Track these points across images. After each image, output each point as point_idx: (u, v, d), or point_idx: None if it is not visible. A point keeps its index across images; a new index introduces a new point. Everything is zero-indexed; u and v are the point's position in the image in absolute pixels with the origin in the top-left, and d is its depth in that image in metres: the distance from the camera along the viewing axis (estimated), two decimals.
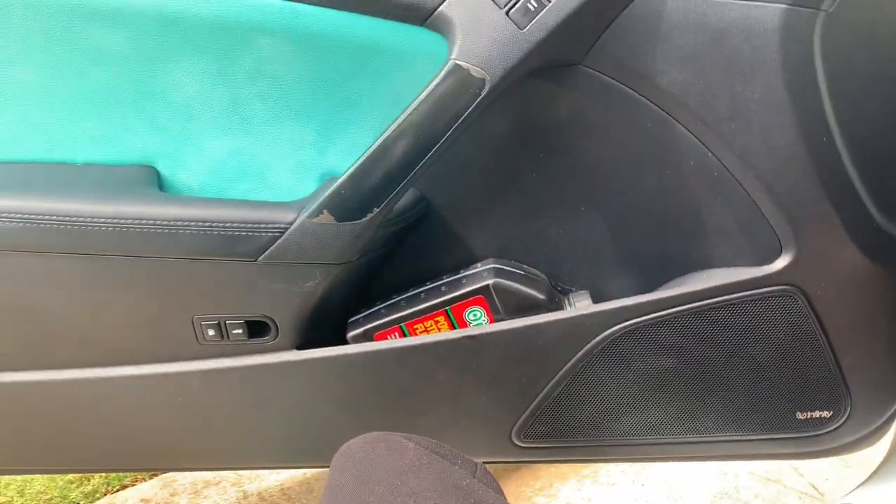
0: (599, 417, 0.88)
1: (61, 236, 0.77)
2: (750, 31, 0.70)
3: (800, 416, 0.88)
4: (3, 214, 0.76)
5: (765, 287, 0.80)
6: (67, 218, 0.77)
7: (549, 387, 0.85)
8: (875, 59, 0.72)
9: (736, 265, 0.82)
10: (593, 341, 0.83)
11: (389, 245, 0.84)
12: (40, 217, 0.76)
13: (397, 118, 0.74)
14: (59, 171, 0.82)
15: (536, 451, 0.91)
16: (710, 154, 0.76)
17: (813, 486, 1.31)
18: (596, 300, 0.86)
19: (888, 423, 0.89)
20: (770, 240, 0.78)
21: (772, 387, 0.86)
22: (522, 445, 0.90)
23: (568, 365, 0.84)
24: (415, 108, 0.73)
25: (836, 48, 0.70)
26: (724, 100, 0.73)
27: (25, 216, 0.76)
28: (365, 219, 0.77)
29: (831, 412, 0.87)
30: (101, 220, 0.77)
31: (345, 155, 0.83)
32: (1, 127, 0.80)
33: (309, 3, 0.73)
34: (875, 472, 0.89)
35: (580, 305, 0.84)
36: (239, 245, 0.78)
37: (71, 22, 0.74)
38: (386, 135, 0.74)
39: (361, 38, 0.75)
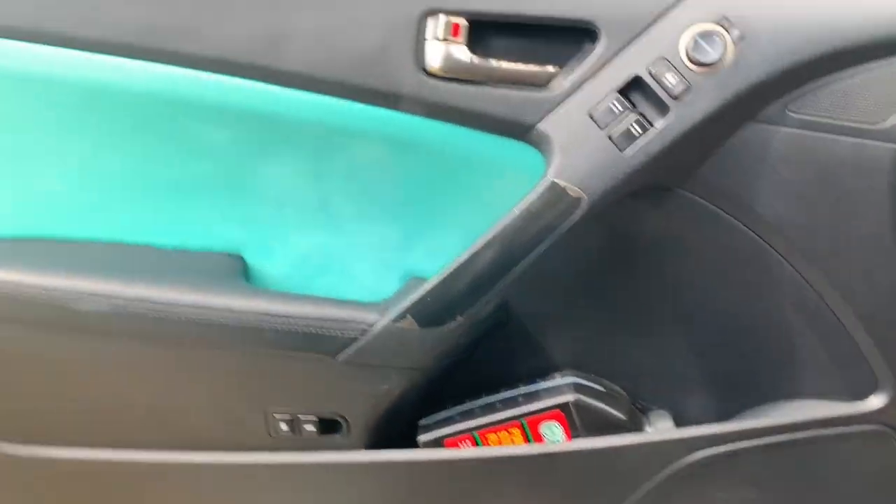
0: None
1: (145, 322, 0.78)
2: (860, 168, 0.68)
3: None
4: (91, 296, 0.77)
5: (857, 425, 0.77)
6: (152, 304, 0.77)
7: None
8: None
9: (825, 398, 0.78)
10: (673, 467, 0.80)
11: (467, 351, 0.83)
12: (125, 301, 0.77)
13: (489, 230, 0.74)
14: (148, 254, 0.83)
15: None
16: (807, 286, 0.73)
17: None
18: (677, 422, 0.83)
19: None
20: (865, 376, 0.75)
21: None
22: None
23: (645, 489, 0.81)
24: (508, 222, 0.73)
25: None
26: (827, 235, 0.71)
27: (111, 299, 0.77)
28: (448, 326, 0.76)
29: None
30: (187, 308, 0.77)
31: (429, 257, 0.82)
32: (95, 207, 0.81)
33: (408, 113, 0.74)
34: None
35: (661, 428, 0.81)
36: (320, 343, 0.78)
37: (174, 115, 0.76)
38: (476, 246, 0.74)
39: (456, 147, 0.76)
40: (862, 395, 0.76)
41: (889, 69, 0.66)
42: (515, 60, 0.71)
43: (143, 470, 0.88)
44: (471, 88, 0.71)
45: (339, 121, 0.75)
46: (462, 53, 0.71)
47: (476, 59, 0.71)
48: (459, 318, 0.75)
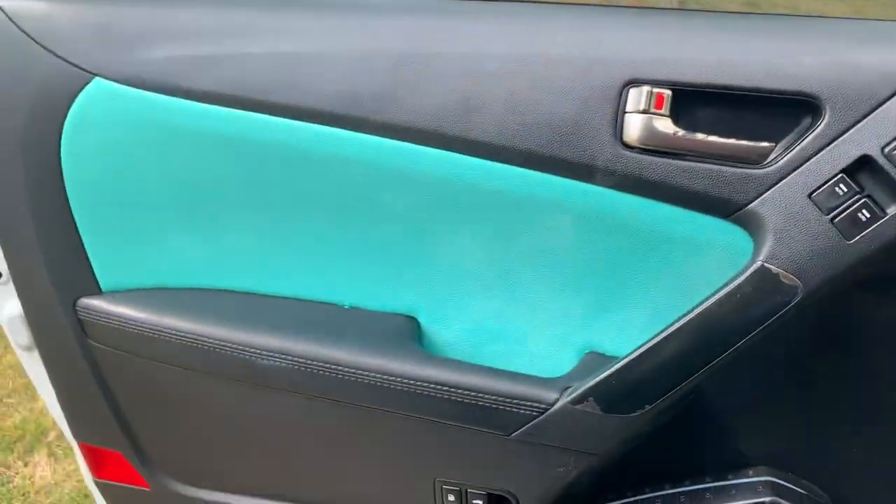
0: None
1: (327, 382, 0.78)
2: None
3: None
4: (279, 356, 0.78)
5: None
6: (333, 366, 0.78)
7: None
8: None
9: None
10: None
11: (651, 437, 0.78)
12: (309, 362, 0.78)
13: (687, 311, 0.68)
14: (329, 312, 0.83)
15: None
16: None
17: None
18: None
19: None
20: None
21: None
22: None
23: None
24: (710, 305, 0.67)
25: None
26: None
27: (296, 359, 0.78)
28: (634, 414, 0.71)
29: None
30: (366, 372, 0.77)
31: (610, 333, 0.78)
32: (284, 264, 0.83)
33: (602, 186, 0.70)
34: None
35: None
36: (495, 418, 0.75)
37: (365, 180, 0.76)
38: (671, 328, 0.69)
39: (651, 222, 0.71)
40: None
41: None
42: (725, 135, 0.66)
43: None
44: (673, 162, 0.67)
45: (527, 191, 0.72)
46: (665, 125, 0.66)
47: (680, 132, 0.66)
48: (647, 407, 0.70)
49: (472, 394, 0.75)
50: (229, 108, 0.75)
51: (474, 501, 0.80)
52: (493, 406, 0.75)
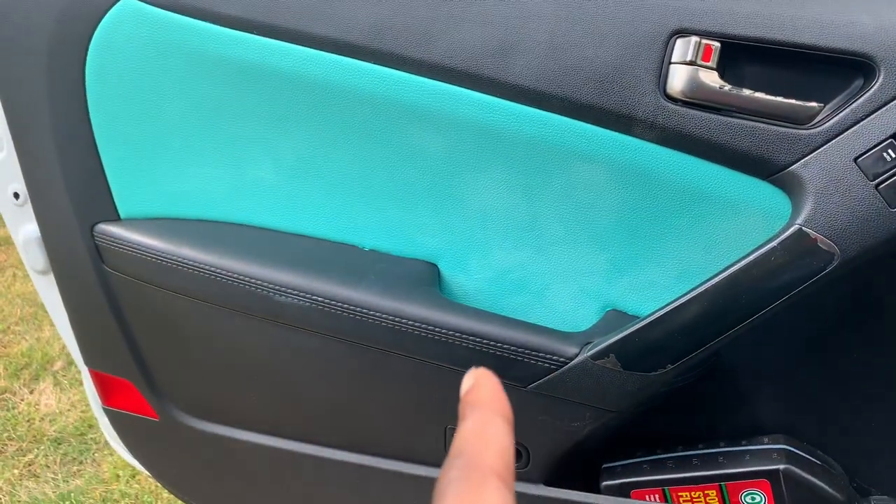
0: None
1: (343, 323, 0.77)
2: None
3: None
4: (296, 293, 0.77)
5: None
6: (351, 307, 0.77)
7: None
8: None
9: None
10: None
11: (668, 398, 0.77)
12: (327, 301, 0.77)
13: (719, 272, 0.67)
14: (349, 253, 0.82)
15: None
16: None
17: None
18: None
19: None
20: None
21: None
22: None
23: None
24: (741, 266, 0.65)
25: None
26: None
27: (314, 297, 0.77)
28: (655, 373, 0.70)
29: None
30: (383, 315, 0.76)
31: (634, 291, 0.76)
32: (306, 201, 0.81)
33: (640, 138, 0.68)
34: None
35: None
36: (513, 368, 0.74)
37: (394, 119, 0.74)
38: (700, 288, 0.67)
39: (687, 178, 0.69)
40: None
41: None
42: (772, 92, 0.64)
43: (315, 464, 0.88)
44: (716, 118, 0.65)
45: (563, 139, 0.70)
46: (712, 79, 0.64)
47: (727, 87, 0.64)
48: (669, 367, 0.69)
49: (490, 343, 0.74)
50: (259, 36, 0.73)
51: None
52: (511, 357, 0.74)
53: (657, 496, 0.77)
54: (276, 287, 0.78)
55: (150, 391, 0.93)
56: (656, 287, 0.75)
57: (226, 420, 0.92)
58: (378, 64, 0.71)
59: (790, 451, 0.74)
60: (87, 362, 0.97)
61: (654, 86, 0.65)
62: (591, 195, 0.74)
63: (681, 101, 0.65)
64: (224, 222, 0.84)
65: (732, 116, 0.64)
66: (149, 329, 0.90)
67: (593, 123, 0.69)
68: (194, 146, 0.81)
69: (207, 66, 0.76)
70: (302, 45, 0.73)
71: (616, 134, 0.69)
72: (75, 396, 2.03)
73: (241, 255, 0.80)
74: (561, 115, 0.69)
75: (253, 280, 0.79)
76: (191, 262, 0.81)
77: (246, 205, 0.83)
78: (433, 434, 0.81)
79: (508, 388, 0.74)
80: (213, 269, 0.80)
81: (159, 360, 0.92)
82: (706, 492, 0.75)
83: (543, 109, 0.70)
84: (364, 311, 0.76)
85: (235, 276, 0.79)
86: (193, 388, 0.92)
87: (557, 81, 0.67)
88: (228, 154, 0.81)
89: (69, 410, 1.99)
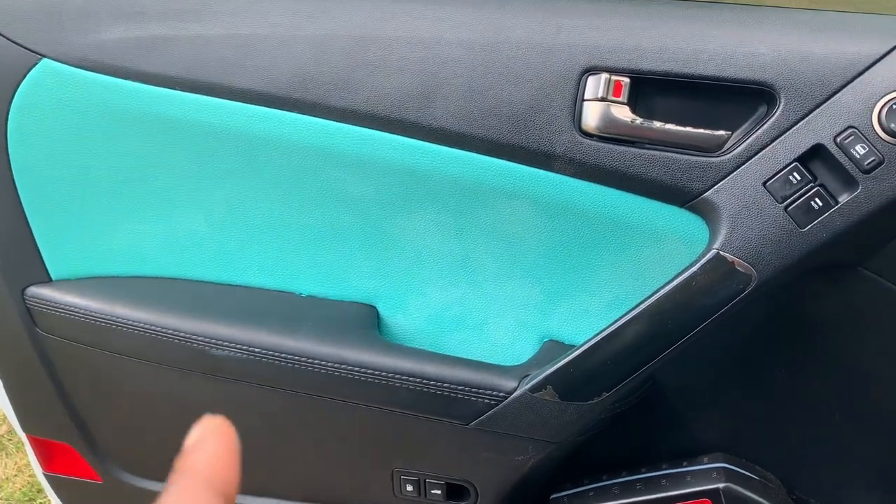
0: None
1: (282, 372, 0.77)
2: None
3: None
4: (233, 345, 0.77)
5: None
6: (289, 356, 0.76)
7: None
8: None
9: None
10: None
11: (608, 425, 0.78)
12: (265, 352, 0.77)
13: (644, 299, 0.69)
14: (286, 301, 0.82)
15: None
16: None
17: None
18: None
19: None
20: None
21: None
22: None
23: None
24: (665, 293, 0.67)
25: None
26: None
27: (251, 349, 0.77)
28: (591, 401, 0.71)
29: None
30: (321, 361, 0.76)
31: (570, 320, 0.78)
32: (239, 251, 0.81)
33: (560, 173, 0.70)
34: None
35: None
36: (454, 407, 0.75)
37: (321, 165, 0.75)
38: (628, 316, 0.69)
39: (609, 210, 0.71)
40: None
41: None
42: (682, 123, 0.66)
43: None
44: (630, 150, 0.67)
45: (487, 178, 0.72)
46: (623, 113, 0.66)
47: (638, 120, 0.66)
48: (605, 395, 0.71)
49: (431, 383, 0.75)
50: (182, 91, 0.74)
51: (433, 491, 0.80)
52: (452, 395, 0.74)
53: None
54: (213, 341, 0.77)
55: (92, 453, 0.91)
56: (590, 316, 0.76)
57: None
58: (302, 113, 0.72)
59: (729, 468, 0.75)
60: (24, 428, 0.95)
61: (569, 123, 0.67)
62: (519, 230, 0.75)
63: (596, 136, 0.67)
64: (158, 278, 0.83)
65: (646, 148, 0.66)
66: (86, 390, 0.88)
67: (515, 161, 0.70)
68: (123, 203, 0.81)
69: (131, 123, 0.76)
70: (225, 99, 0.73)
71: (537, 170, 0.70)
72: (22, 461, 1.96)
73: (176, 310, 0.80)
74: (483, 154, 0.71)
75: (189, 335, 0.78)
76: (125, 321, 0.80)
77: (179, 259, 0.83)
78: (380, 478, 0.81)
79: (452, 427, 0.75)
80: (148, 326, 0.79)
81: (99, 422, 0.90)
82: None
83: (466, 150, 0.71)
84: (301, 359, 0.76)
85: (171, 332, 0.79)
86: (136, 448, 0.91)
87: (478, 123, 0.69)
88: (158, 209, 0.81)
89: (16, 476, 1.92)
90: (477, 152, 0.71)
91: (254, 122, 0.74)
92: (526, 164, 0.71)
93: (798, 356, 0.73)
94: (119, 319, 0.80)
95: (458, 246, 0.77)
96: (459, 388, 0.74)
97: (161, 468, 0.90)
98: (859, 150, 0.61)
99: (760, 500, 0.74)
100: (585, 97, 0.67)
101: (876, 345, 0.69)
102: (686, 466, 0.77)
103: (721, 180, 0.65)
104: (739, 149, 0.65)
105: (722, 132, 0.66)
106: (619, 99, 0.66)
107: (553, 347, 0.78)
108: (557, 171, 0.70)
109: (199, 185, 0.78)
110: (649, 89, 0.67)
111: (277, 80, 0.71)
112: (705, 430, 0.79)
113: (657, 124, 0.66)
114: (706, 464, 0.76)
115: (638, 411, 0.79)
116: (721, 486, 0.74)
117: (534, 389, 0.72)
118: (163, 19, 0.75)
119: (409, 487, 0.80)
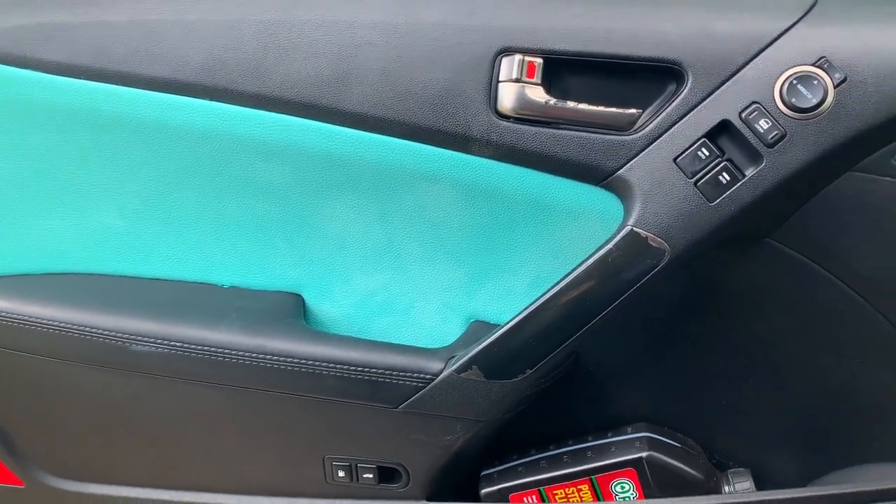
0: None
1: (204, 366, 0.76)
2: None
3: None
4: (153, 341, 0.75)
5: None
6: (211, 349, 0.75)
7: None
8: None
9: None
10: None
11: (534, 401, 0.79)
12: (186, 346, 0.75)
13: (562, 277, 0.70)
14: (207, 293, 0.81)
15: None
16: None
17: None
18: (757, 480, 0.78)
19: None
20: None
21: None
22: None
23: None
24: (582, 270, 0.69)
25: None
26: None
27: (172, 343, 0.76)
28: (516, 379, 0.72)
29: None
30: (245, 353, 0.75)
31: (495, 300, 0.79)
32: (156, 244, 0.79)
33: (478, 155, 0.70)
34: None
35: (740, 488, 0.76)
36: (381, 391, 0.75)
37: (236, 153, 0.74)
38: (547, 295, 0.70)
39: (527, 190, 0.72)
40: None
41: None
42: (594, 102, 0.67)
43: None
44: (545, 131, 0.68)
45: (406, 162, 0.72)
46: (538, 94, 0.67)
47: (552, 101, 0.67)
48: (528, 372, 0.72)
49: (358, 369, 0.75)
50: (88, 80, 0.71)
51: (365, 475, 0.80)
52: (380, 380, 0.75)
53: (534, 497, 0.79)
54: (133, 337, 0.76)
55: (11, 457, 0.88)
56: (514, 295, 0.77)
57: (98, 478, 0.89)
58: (213, 100, 0.71)
59: (652, 437, 0.78)
60: None
61: (485, 105, 0.68)
62: (441, 213, 0.75)
63: (511, 117, 0.68)
64: (72, 274, 0.81)
65: (560, 128, 0.67)
66: (2, 393, 0.85)
67: (433, 144, 0.70)
68: (32, 198, 0.78)
69: (37, 114, 0.73)
70: (133, 87, 0.71)
71: (456, 153, 0.70)
72: None
73: (93, 306, 0.77)
74: (402, 138, 0.71)
75: (107, 332, 0.76)
76: (39, 320, 0.78)
77: (94, 254, 0.80)
78: (312, 466, 0.81)
79: (380, 411, 0.75)
80: (63, 325, 0.77)
81: (18, 424, 0.87)
82: (579, 487, 0.78)
83: (384, 134, 0.71)
84: (225, 351, 0.75)
85: (88, 329, 0.76)
86: (59, 449, 0.88)
87: (394, 106, 0.69)
88: (70, 203, 0.78)
89: None
90: (395, 136, 0.71)
91: (164, 111, 0.72)
92: (445, 147, 0.71)
93: (714, 326, 0.76)
94: (32, 319, 0.78)
95: (381, 231, 0.77)
96: (386, 372, 0.74)
97: (84, 469, 0.87)
98: (763, 124, 0.63)
99: (682, 466, 0.76)
100: (500, 79, 0.67)
101: (785, 312, 0.72)
102: (611, 437, 0.79)
103: (633, 158, 0.66)
104: (650, 126, 0.66)
105: (633, 110, 0.67)
106: (534, 80, 0.66)
107: (479, 328, 0.78)
108: (476, 154, 0.70)
109: (110, 177, 0.76)
110: (563, 70, 0.67)
111: (186, 67, 0.69)
112: (629, 401, 0.81)
113: (571, 104, 0.67)
114: (630, 434, 0.78)
115: (563, 386, 0.81)
116: (644, 454, 0.76)
117: (460, 370, 0.73)
118: (65, 6, 0.72)
119: (341, 473, 0.80)
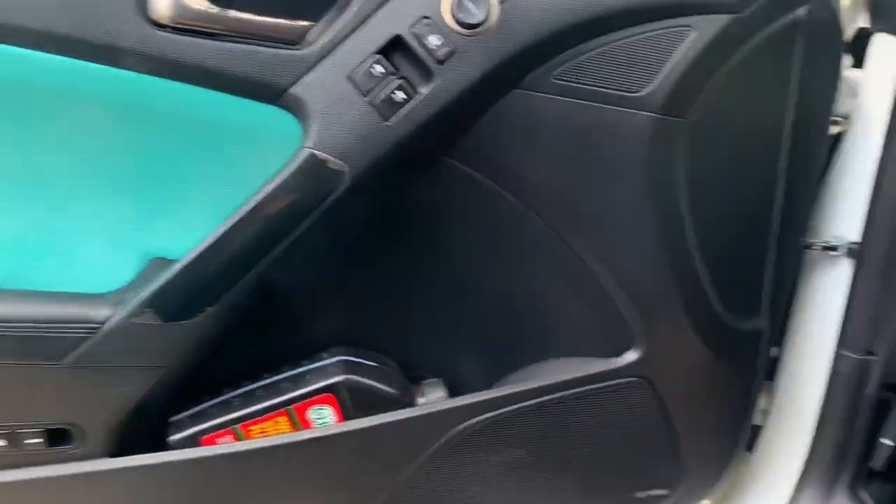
0: None
1: None
2: (617, 136, 0.68)
3: (640, 495, 0.89)
4: None
5: (616, 379, 0.80)
6: None
7: (397, 484, 0.80)
8: (731, 168, 0.73)
9: (589, 356, 0.80)
10: (447, 436, 0.78)
11: (223, 339, 0.74)
12: None
13: (241, 205, 0.65)
14: None
15: None
16: (570, 251, 0.73)
17: None
18: (452, 389, 0.82)
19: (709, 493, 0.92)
20: (623, 333, 0.78)
21: (617, 470, 0.86)
22: None
23: (419, 461, 0.79)
24: (263, 197, 0.64)
25: (697, 156, 0.70)
26: (588, 202, 0.70)
27: None
28: (197, 318, 0.67)
29: (667, 490, 0.89)
30: None
31: (172, 234, 0.72)
32: None
33: (134, 70, 0.62)
34: None
35: (433, 398, 0.79)
36: (41, 347, 0.65)
37: None
38: (225, 225, 0.65)
39: (196, 110, 0.65)
40: (620, 351, 0.79)
41: (647, 36, 0.66)
42: (262, 13, 0.61)
43: None
44: (209, 43, 0.61)
45: (45, 79, 0.61)
46: (197, 2, 0.60)
47: (213, 9, 0.60)
48: (210, 309, 0.66)
49: (12, 325, 0.64)
50: None
51: (30, 441, 0.70)
52: (37, 334, 0.65)
53: (230, 437, 0.75)
54: None
55: None
56: (194, 227, 0.71)
57: None
58: None
59: (348, 360, 0.77)
60: None
61: (136, 11, 0.59)
62: (98, 139, 0.66)
63: (169, 26, 0.60)
64: None
65: (225, 40, 0.61)
66: None
67: (78, 57, 0.60)
68: None
69: None
70: None
71: (106, 68, 0.61)
72: None
73: None
74: (35, 49, 0.60)
75: None
76: None
77: None
78: None
79: (43, 369, 0.65)
80: None
81: None
82: (276, 420, 0.75)
83: (15, 45, 0.59)
84: None
85: None
86: None
87: (31, 14, 0.57)
88: None
89: None
90: (26, 47, 0.59)
91: None
92: (92, 61, 0.61)
93: (402, 246, 0.76)
94: None
95: (25, 163, 0.66)
96: (43, 325, 0.65)
97: None
98: (434, 40, 0.62)
99: (378, 385, 0.77)
100: None
101: (465, 229, 0.74)
102: (306, 366, 0.77)
103: (305, 74, 0.62)
104: (323, 40, 0.62)
105: (304, 22, 0.62)
106: None
107: (159, 265, 0.71)
108: (131, 69, 0.62)
109: None
110: None
111: None
112: (324, 327, 0.80)
113: (235, 13, 0.61)
114: (325, 360, 0.77)
115: (256, 320, 0.77)
116: (340, 378, 0.75)
117: (131, 315, 0.66)
118: None
119: (2, 442, 0.70)
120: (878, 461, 0.91)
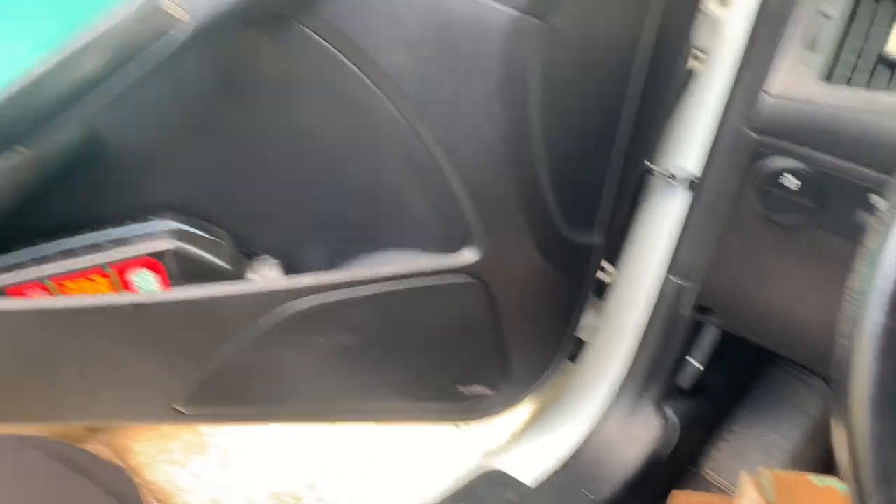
0: (273, 387, 0.84)
1: None
2: (476, 29, 0.67)
3: (462, 389, 0.92)
4: None
5: (451, 276, 0.81)
6: None
7: (220, 357, 0.79)
8: (583, 80, 0.73)
9: (427, 250, 0.81)
10: (273, 315, 0.78)
11: (41, 188, 0.70)
12: None
13: (67, 43, 0.60)
14: None
15: (202, 418, 0.85)
16: (418, 141, 0.73)
17: None
18: (287, 268, 0.81)
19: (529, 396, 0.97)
20: (461, 231, 0.79)
21: (442, 364, 0.89)
22: (187, 413, 0.83)
23: (246, 337, 0.78)
24: (91, 36, 0.59)
25: (553, 62, 0.70)
26: (440, 92, 0.69)
27: None
28: (10, 157, 0.62)
29: (490, 389, 0.93)
30: None
31: None
32: None
33: None
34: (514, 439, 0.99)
35: (265, 275, 0.78)
36: None
37: None
38: (50, 62, 0.60)
39: None
40: (458, 248, 0.80)
41: None
42: None
43: None
44: None
45: None
46: None
47: None
48: (23, 150, 0.62)
49: None
50: None
51: None
52: None
53: (40, 291, 0.71)
54: None
55: None
56: (16, 59, 0.65)
57: None
58: None
59: (178, 228, 0.74)
60: None
61: None
62: None
63: None
64: None
65: None
66: None
67: None
68: None
69: None
70: None
71: None
72: None
73: None
74: None
75: None
76: None
77: None
78: None
79: None
80: None
81: None
82: (93, 278, 0.72)
83: None
84: None
85: None
86: None
87: None
88: None
89: None
90: None
91: None
92: None
93: (247, 114, 0.73)
94: None
95: None
96: None
97: None
98: None
99: (207, 256, 0.75)
100: None
101: (313, 103, 0.71)
102: (132, 227, 0.74)
103: None
104: None
105: None
106: None
107: None
108: None
109: None
110: None
111: None
112: (157, 190, 0.76)
113: None
114: (153, 224, 0.74)
115: (81, 173, 0.73)
116: (168, 246, 0.72)
117: None
118: None
119: None
120: (684, 379, 0.98)
